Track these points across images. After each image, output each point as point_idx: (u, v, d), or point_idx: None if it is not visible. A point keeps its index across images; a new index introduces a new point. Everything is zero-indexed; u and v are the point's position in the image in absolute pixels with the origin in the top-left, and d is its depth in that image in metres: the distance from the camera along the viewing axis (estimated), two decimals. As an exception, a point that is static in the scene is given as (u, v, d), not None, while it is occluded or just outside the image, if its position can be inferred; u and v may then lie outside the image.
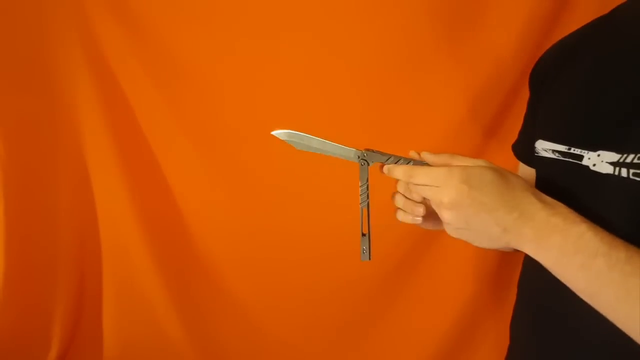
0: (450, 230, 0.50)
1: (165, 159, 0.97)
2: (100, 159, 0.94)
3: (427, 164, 0.53)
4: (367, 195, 0.58)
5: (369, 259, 0.59)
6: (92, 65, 0.90)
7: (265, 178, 0.96)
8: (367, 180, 0.58)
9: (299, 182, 0.95)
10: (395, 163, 0.55)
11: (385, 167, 0.55)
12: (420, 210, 0.55)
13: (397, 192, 0.58)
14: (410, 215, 0.56)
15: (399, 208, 0.58)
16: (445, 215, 0.47)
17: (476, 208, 0.45)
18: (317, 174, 0.95)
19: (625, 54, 0.50)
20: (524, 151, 0.69)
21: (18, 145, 0.91)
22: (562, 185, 0.53)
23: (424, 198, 0.55)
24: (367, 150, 0.57)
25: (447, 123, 0.90)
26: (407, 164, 0.54)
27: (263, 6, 0.88)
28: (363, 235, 0.59)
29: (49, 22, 0.88)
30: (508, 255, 0.90)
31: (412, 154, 0.55)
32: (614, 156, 0.46)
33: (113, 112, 0.92)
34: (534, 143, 0.61)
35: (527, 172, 0.68)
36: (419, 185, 0.50)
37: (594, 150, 0.49)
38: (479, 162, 0.49)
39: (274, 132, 0.58)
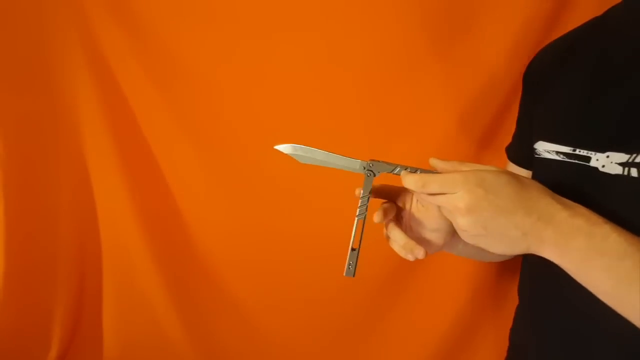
0: (467, 238, 0.48)
1: (165, 159, 0.97)
2: (100, 159, 0.94)
3: (436, 172, 0.51)
4: (366, 208, 0.56)
5: (353, 275, 0.56)
6: (92, 65, 0.90)
7: (265, 178, 0.96)
8: (370, 192, 0.55)
9: (299, 182, 0.95)
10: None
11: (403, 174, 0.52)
12: (421, 253, 0.52)
13: (395, 228, 0.55)
14: (410, 255, 0.53)
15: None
16: (461, 221, 0.45)
17: (493, 212, 0.43)
18: (318, 174, 0.94)
19: (626, 54, 0.50)
20: (518, 153, 0.69)
21: (18, 145, 0.91)
22: (569, 187, 0.52)
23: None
24: (373, 160, 0.55)
25: (443, 127, 0.90)
26: (414, 172, 0.52)
27: (262, 9, 0.88)
28: (352, 250, 0.56)
29: (49, 22, 0.88)
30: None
31: (431, 161, 0.53)
32: (623, 157, 0.46)
33: (113, 113, 0.92)
34: (530, 144, 0.60)
35: (520, 174, 0.67)
36: (432, 194, 0.48)
37: (602, 151, 0.48)
38: (490, 167, 0.47)
39: (277, 147, 0.57)
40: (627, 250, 0.40)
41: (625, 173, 0.46)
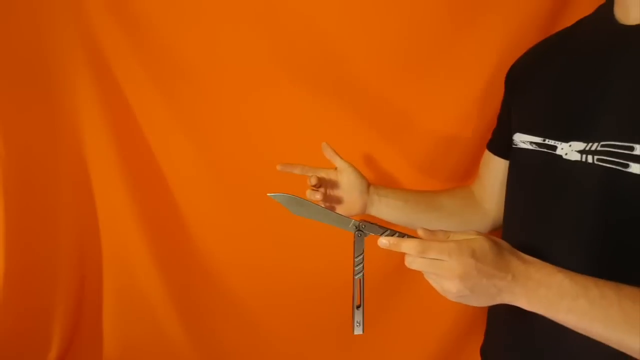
0: (452, 297, 0.53)
1: (166, 159, 0.97)
2: (100, 159, 0.94)
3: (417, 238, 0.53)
4: (363, 267, 0.57)
5: (362, 332, 0.58)
6: (92, 65, 0.90)
7: (264, 178, 0.96)
8: (363, 252, 0.57)
9: (299, 182, 0.95)
10: (392, 236, 0.55)
11: (386, 240, 0.54)
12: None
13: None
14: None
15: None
16: (455, 286, 0.51)
17: (480, 277, 0.50)
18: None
19: (587, 60, 0.60)
20: (498, 145, 0.78)
21: (18, 145, 0.91)
22: (539, 173, 0.62)
23: None
24: (364, 221, 0.56)
25: (444, 126, 0.91)
26: (402, 237, 0.54)
27: (263, 8, 0.88)
28: (357, 307, 0.58)
29: (49, 22, 0.88)
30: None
31: (420, 232, 0.55)
32: (581, 145, 0.56)
33: (113, 112, 0.92)
34: (509, 137, 0.70)
35: (498, 164, 0.77)
36: (429, 259, 0.52)
37: (566, 141, 0.58)
38: (471, 234, 0.53)
39: (270, 195, 0.57)
40: (578, 292, 0.48)
41: (583, 159, 0.55)
